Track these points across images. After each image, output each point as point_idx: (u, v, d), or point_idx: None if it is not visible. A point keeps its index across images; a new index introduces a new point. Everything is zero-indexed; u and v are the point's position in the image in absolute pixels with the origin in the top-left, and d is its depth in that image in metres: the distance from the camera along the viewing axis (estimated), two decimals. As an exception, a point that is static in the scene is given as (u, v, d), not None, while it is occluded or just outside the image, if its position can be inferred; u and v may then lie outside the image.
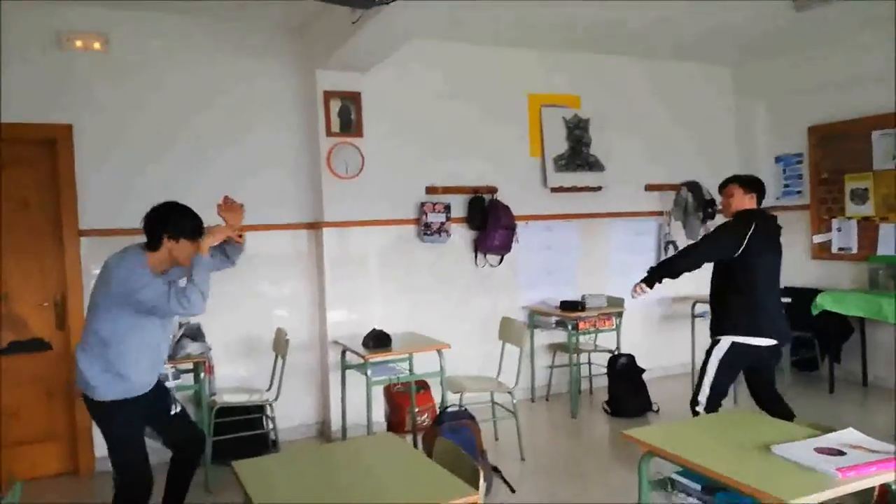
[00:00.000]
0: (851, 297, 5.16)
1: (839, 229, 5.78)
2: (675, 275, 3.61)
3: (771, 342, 3.46)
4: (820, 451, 2.02)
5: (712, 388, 3.44)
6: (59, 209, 4.20)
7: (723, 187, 3.71)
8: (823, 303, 5.27)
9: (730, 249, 3.44)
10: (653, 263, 6.03)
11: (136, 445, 2.79)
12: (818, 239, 5.94)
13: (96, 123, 4.28)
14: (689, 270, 3.57)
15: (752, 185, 3.65)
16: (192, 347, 3.89)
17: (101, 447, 4.16)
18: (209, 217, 4.54)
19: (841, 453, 1.98)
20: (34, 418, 4.18)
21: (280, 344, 4.31)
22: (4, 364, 4.11)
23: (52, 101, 4.17)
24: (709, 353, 3.51)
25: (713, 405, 3.44)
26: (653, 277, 3.58)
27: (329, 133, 4.68)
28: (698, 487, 2.10)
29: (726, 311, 3.50)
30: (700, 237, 3.63)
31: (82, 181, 4.25)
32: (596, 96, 5.86)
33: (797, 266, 6.07)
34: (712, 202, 6.05)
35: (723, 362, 3.43)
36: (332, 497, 1.94)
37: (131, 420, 2.77)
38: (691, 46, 5.74)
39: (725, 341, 3.45)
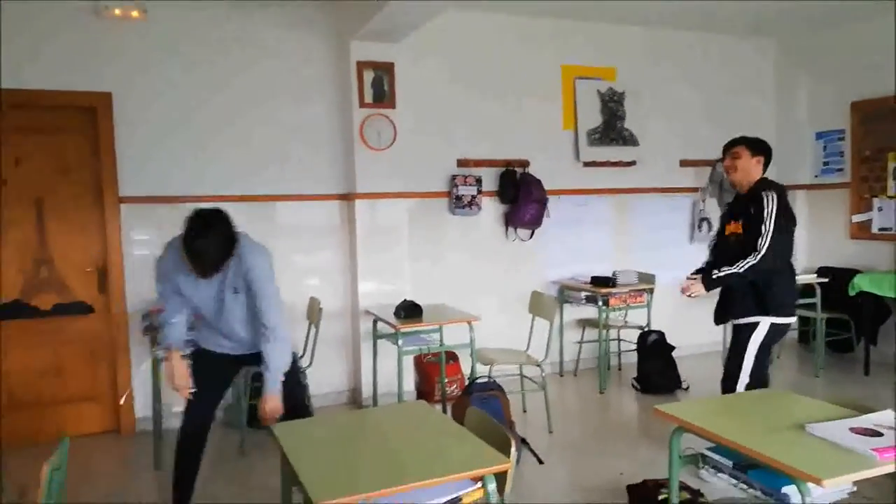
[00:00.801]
0: (890, 279, 5.05)
1: (880, 209, 5.63)
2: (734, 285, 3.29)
3: (794, 319, 3.36)
4: (856, 430, 2.01)
5: (752, 374, 3.21)
6: (99, 177, 4.30)
7: (729, 147, 3.44)
8: (861, 284, 5.17)
9: (791, 233, 3.27)
10: (686, 240, 5.98)
11: None
12: (858, 218, 5.80)
13: (135, 92, 4.34)
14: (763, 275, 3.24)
15: (760, 147, 3.39)
16: (229, 314, 3.97)
17: (141, 408, 4.33)
18: (246, 185, 4.64)
19: (877, 434, 1.97)
20: (78, 378, 4.34)
21: (313, 312, 4.38)
22: (49, 326, 4.26)
23: (91, 69, 4.24)
24: (745, 337, 3.24)
25: (755, 383, 3.23)
26: (713, 285, 3.30)
27: (362, 104, 4.69)
28: (730, 464, 2.10)
29: (768, 290, 3.22)
30: (767, 243, 3.24)
31: (122, 149, 4.33)
32: (632, 68, 5.75)
33: (835, 246, 5.96)
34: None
35: (763, 345, 3.23)
36: (366, 459, 1.99)
37: None
38: (733, 17, 5.58)
39: (765, 323, 3.22)
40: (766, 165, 3.41)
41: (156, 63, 4.39)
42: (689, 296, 3.38)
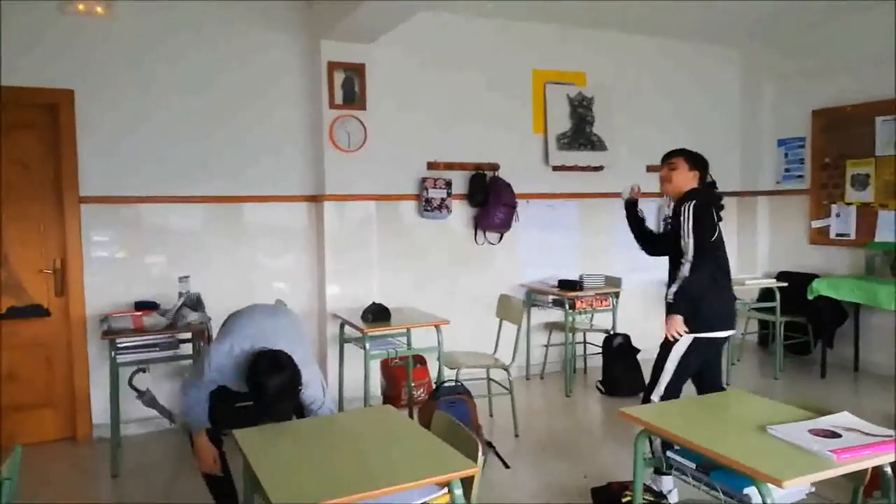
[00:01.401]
0: (848, 283, 5.18)
1: (838, 215, 5.79)
2: (698, 298, 3.12)
3: (732, 332, 3.23)
4: (815, 432, 2.05)
5: (667, 387, 3.10)
6: (59, 175, 4.18)
7: (667, 158, 3.36)
8: (819, 288, 5.30)
9: (713, 237, 3.10)
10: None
11: None
12: (817, 224, 5.95)
13: (98, 90, 4.24)
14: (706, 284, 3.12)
15: (698, 162, 3.31)
16: (192, 317, 3.90)
17: (98, 414, 4.22)
18: (212, 186, 4.56)
19: (836, 435, 2.01)
20: (33, 384, 4.20)
21: (279, 315, 4.32)
22: (3, 329, 4.12)
23: (53, 65, 4.12)
24: (667, 349, 3.13)
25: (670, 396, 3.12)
26: (676, 307, 3.12)
27: (332, 105, 4.65)
28: (693, 466, 2.13)
29: (696, 305, 3.09)
30: (691, 252, 3.04)
31: (83, 148, 4.22)
32: (601, 73, 5.82)
33: (795, 251, 6.10)
34: (713, 184, 5.99)
35: (682, 360, 3.09)
36: (330, 466, 1.96)
37: None
38: (700, 25, 5.70)
39: (686, 338, 3.08)
40: (701, 180, 3.31)
41: (120, 61, 4.28)
42: (679, 335, 3.12)
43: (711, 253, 3.10)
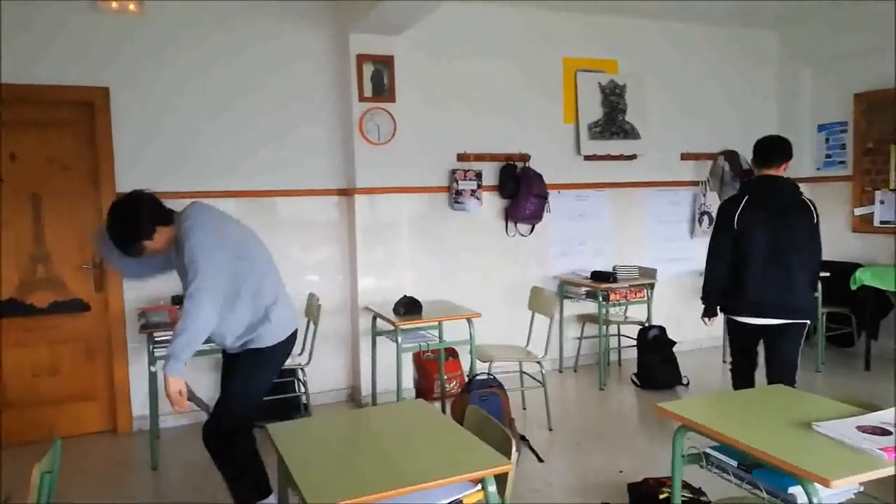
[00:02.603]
0: (892, 273, 5.01)
1: (882, 202, 5.59)
2: (717, 286, 3.46)
3: (753, 321, 3.31)
4: (863, 429, 1.97)
5: (731, 365, 3.66)
6: (97, 172, 4.25)
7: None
8: (863, 277, 5.14)
9: (724, 231, 3.36)
10: (687, 235, 5.94)
11: None
12: (860, 211, 5.76)
13: (133, 87, 4.29)
14: (722, 271, 3.40)
15: (754, 150, 3.51)
16: (226, 311, 3.93)
17: (138, 407, 4.30)
18: (244, 181, 4.59)
19: (886, 432, 1.93)
20: (74, 377, 4.30)
21: (312, 309, 4.35)
22: (46, 324, 4.22)
23: (89, 63, 4.18)
24: None
25: (733, 375, 3.61)
26: (710, 304, 3.53)
27: (361, 98, 4.64)
28: (734, 464, 2.07)
29: (727, 291, 3.43)
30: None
31: (119, 145, 4.28)
32: (634, 61, 5.70)
33: (837, 239, 5.91)
34: (750, 172, 5.88)
35: (727, 338, 3.49)
36: (363, 461, 1.95)
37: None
38: (735, 8, 5.53)
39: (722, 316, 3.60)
40: (760, 164, 3.51)
41: (154, 58, 4.34)
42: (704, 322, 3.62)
43: (717, 248, 3.42)
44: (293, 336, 2.91)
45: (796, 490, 1.84)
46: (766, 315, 3.29)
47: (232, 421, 2.74)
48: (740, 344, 3.53)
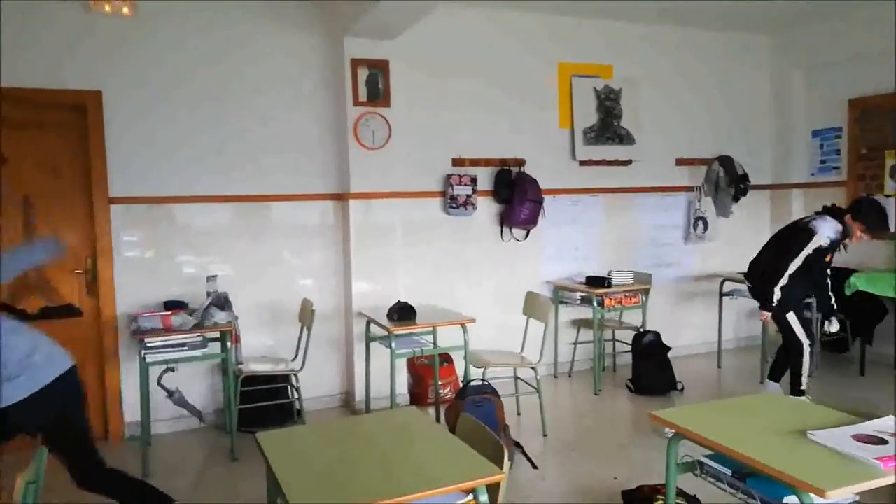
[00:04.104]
0: (887, 278, 5.01)
1: (877, 208, 5.58)
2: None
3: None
4: (858, 438, 1.96)
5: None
6: (89, 176, 4.23)
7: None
8: (857, 283, 5.13)
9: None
10: (681, 240, 5.97)
11: None
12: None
13: (126, 91, 4.27)
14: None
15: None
16: (220, 316, 3.91)
17: (130, 412, 4.27)
18: (239, 185, 4.57)
19: (882, 441, 1.92)
20: (65, 382, 4.25)
21: (306, 314, 4.33)
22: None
23: (82, 67, 4.16)
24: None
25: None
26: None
27: (356, 102, 4.62)
28: (729, 472, 2.05)
29: None
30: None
31: (112, 149, 4.26)
32: (629, 66, 5.70)
33: (831, 245, 5.92)
34: (745, 177, 5.90)
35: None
36: (353, 470, 1.93)
37: None
38: (729, 14, 5.54)
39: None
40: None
41: (147, 62, 4.31)
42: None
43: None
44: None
45: (791, 499, 1.82)
46: None
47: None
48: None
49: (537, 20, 5.33)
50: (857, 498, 1.91)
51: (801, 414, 2.29)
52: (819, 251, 3.99)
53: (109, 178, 4.26)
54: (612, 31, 5.62)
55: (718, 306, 5.59)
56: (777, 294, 4.05)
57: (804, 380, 4.18)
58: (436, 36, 4.95)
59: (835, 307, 4.16)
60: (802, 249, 3.99)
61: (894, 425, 2.05)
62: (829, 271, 4.13)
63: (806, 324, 4.28)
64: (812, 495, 1.72)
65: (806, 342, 4.18)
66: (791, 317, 4.18)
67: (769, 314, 4.18)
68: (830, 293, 4.14)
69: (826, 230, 3.99)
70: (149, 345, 3.72)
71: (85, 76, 4.17)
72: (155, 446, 4.07)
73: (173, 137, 4.39)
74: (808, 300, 4.62)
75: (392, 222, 4.80)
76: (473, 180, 5.09)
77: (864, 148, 5.70)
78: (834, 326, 4.16)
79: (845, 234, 4.03)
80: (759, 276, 4.27)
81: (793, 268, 4.01)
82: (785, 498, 1.84)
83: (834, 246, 4.02)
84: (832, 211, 4.13)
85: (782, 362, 4.39)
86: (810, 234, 4.00)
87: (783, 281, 4.03)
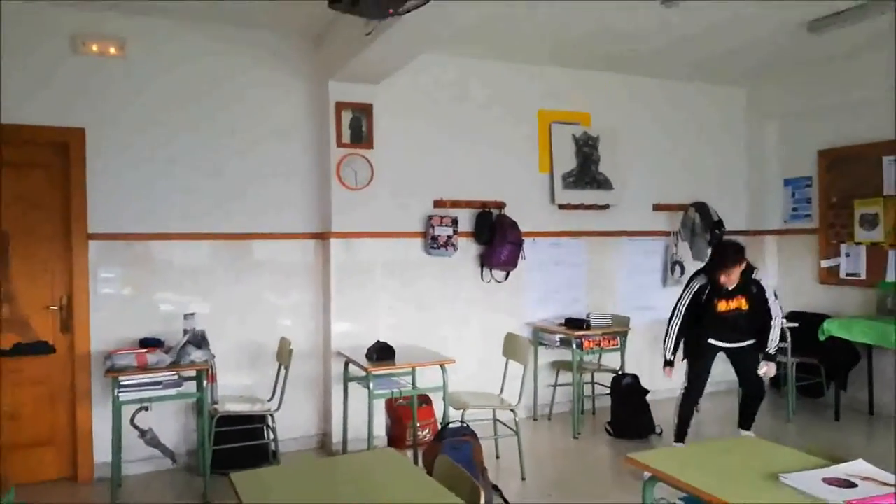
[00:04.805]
0: (859, 324, 5.11)
1: (847, 254, 5.74)
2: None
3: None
4: (829, 481, 1.99)
5: None
6: (69, 212, 4.21)
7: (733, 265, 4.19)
8: (831, 328, 5.23)
9: None
10: (659, 284, 6.05)
11: None
12: (826, 264, 5.91)
13: (109, 128, 4.30)
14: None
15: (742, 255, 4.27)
16: (196, 354, 3.88)
17: (101, 453, 4.16)
18: (219, 223, 4.58)
19: (851, 485, 1.95)
20: (35, 422, 4.16)
21: (284, 354, 4.30)
22: (7, 366, 4.10)
23: (65, 104, 4.19)
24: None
25: None
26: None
27: (340, 144, 4.70)
28: (704, 515, 2.06)
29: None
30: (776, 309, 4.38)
31: (93, 185, 4.26)
32: (607, 114, 5.86)
33: (805, 291, 6.05)
34: (720, 223, 6.03)
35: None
36: (333, 513, 1.91)
37: None
38: (704, 67, 5.75)
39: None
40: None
41: (131, 100, 4.36)
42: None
43: None
44: None
45: (763, 542, 1.84)
46: None
47: None
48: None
49: (518, 70, 5.49)
50: (828, 541, 1.93)
51: (775, 457, 2.32)
52: (700, 295, 4.28)
53: (89, 214, 4.25)
54: (591, 80, 5.80)
55: (696, 350, 5.64)
56: (670, 346, 4.35)
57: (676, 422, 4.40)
58: (419, 82, 5.08)
59: (771, 352, 4.28)
60: (684, 292, 4.37)
61: (864, 469, 2.09)
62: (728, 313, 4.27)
63: (695, 372, 4.41)
64: (783, 538, 1.74)
65: (686, 384, 4.43)
66: (687, 362, 4.45)
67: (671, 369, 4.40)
68: (774, 342, 4.29)
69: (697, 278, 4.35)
70: (123, 383, 3.67)
71: (68, 113, 4.20)
72: (126, 487, 3.98)
73: (156, 174, 4.41)
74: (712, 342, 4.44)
75: (373, 262, 4.83)
76: (454, 221, 5.15)
77: (833, 197, 5.88)
78: (766, 370, 4.26)
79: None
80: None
81: (681, 308, 4.34)
82: (757, 540, 1.86)
83: (705, 288, 4.26)
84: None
85: (744, 409, 4.51)
86: (691, 279, 4.41)
87: (676, 321, 4.33)
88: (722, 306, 4.25)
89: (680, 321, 4.32)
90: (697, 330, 4.33)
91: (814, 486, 1.96)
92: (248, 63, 4.65)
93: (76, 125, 4.22)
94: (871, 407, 5.42)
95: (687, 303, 4.33)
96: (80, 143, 4.22)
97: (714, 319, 4.27)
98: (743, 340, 4.34)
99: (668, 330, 4.37)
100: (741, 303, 4.25)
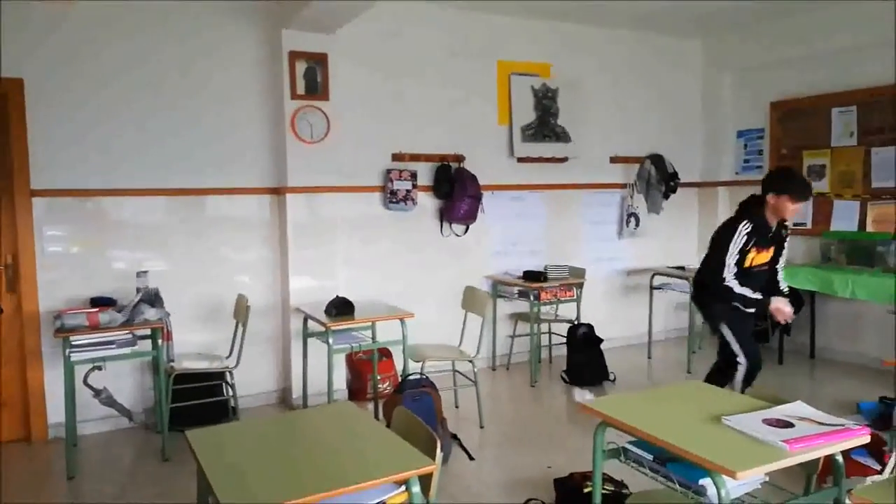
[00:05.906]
0: (804, 272, 5.30)
1: (796, 205, 5.89)
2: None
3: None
4: (768, 422, 2.08)
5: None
6: (9, 168, 4.03)
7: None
8: (777, 276, 5.40)
9: None
10: (615, 235, 6.13)
11: None
12: (775, 214, 6.06)
13: (51, 80, 4.09)
14: None
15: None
16: (150, 313, 3.81)
17: (55, 413, 4.10)
18: (172, 179, 4.45)
19: (789, 425, 2.05)
20: (-16, 383, 4.07)
21: (241, 310, 4.26)
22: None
23: (3, 54, 3.95)
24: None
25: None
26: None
27: (294, 96, 4.57)
28: (650, 457, 2.15)
29: None
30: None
31: (35, 140, 4.07)
32: (566, 65, 5.83)
33: (754, 240, 6.21)
34: (675, 175, 6.13)
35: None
36: (286, 466, 1.93)
37: None
38: (663, 18, 5.73)
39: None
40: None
41: (76, 51, 4.14)
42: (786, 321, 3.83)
43: None
44: None
45: (706, 481, 1.93)
46: None
47: None
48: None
49: (477, 19, 5.38)
50: (767, 478, 2.03)
51: (719, 401, 2.42)
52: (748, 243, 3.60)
53: (32, 170, 4.08)
54: (550, 30, 5.73)
55: (649, 299, 5.80)
56: (737, 290, 3.58)
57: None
58: (375, 31, 4.94)
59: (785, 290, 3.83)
60: (730, 240, 3.59)
61: (802, 410, 2.19)
62: (778, 266, 3.82)
63: (747, 339, 3.76)
64: (724, 476, 1.82)
65: (742, 359, 3.68)
66: (724, 329, 3.75)
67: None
68: (784, 286, 3.83)
69: (746, 219, 3.64)
70: (74, 343, 3.59)
71: (6, 64, 3.97)
72: (82, 447, 3.94)
73: (103, 130, 4.24)
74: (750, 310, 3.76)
75: (330, 217, 4.78)
76: (413, 175, 5.11)
77: (784, 148, 6.01)
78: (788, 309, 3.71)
79: (775, 214, 3.65)
80: (700, 285, 3.94)
81: (730, 261, 3.58)
82: (700, 480, 1.95)
83: (761, 232, 3.63)
84: (750, 202, 3.77)
85: (713, 379, 3.71)
86: (733, 224, 3.65)
87: (730, 277, 3.58)
88: (758, 258, 3.66)
89: (734, 276, 3.59)
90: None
91: (754, 426, 2.05)
92: (197, 13, 4.45)
93: (14, 76, 4.00)
94: (813, 351, 5.68)
95: (736, 253, 3.59)
96: (18, 95, 4.02)
97: (745, 276, 3.63)
98: None
99: (730, 289, 3.57)
100: (770, 255, 3.73)
